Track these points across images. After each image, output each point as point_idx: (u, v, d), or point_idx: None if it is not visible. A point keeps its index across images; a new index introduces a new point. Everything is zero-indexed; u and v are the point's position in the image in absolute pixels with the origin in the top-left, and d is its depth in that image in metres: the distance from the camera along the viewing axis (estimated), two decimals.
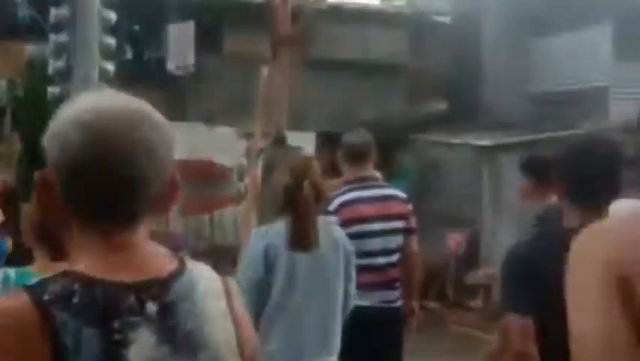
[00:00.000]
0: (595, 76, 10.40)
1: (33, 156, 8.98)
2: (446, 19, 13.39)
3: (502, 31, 12.26)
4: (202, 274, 1.31)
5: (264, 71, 7.83)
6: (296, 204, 3.07)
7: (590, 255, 1.37)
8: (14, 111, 11.25)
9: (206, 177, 10.35)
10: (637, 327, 1.26)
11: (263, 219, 7.23)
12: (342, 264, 3.21)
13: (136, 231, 1.25)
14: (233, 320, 1.31)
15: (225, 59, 12.14)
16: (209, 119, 11.83)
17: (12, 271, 2.51)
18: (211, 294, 1.29)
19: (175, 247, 9.71)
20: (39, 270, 2.43)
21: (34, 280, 1.19)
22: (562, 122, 10.49)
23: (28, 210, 2.71)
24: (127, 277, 1.21)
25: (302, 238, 3.06)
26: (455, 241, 10.51)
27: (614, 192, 2.30)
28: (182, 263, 1.30)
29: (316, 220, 3.12)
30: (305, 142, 10.50)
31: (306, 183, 3.09)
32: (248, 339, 1.34)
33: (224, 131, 11.28)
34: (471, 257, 10.55)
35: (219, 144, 10.90)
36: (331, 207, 3.93)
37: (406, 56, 12.92)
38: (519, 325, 2.36)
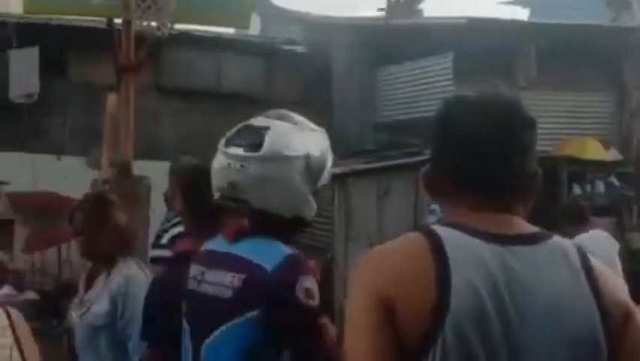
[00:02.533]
0: (436, 105, 10.86)
1: None
2: (298, 48, 13.60)
3: (350, 61, 12.61)
4: None
5: (111, 98, 7.61)
6: None
7: (359, 279, 1.43)
8: None
9: (50, 210, 9.88)
10: (397, 347, 1.33)
11: None
12: None
13: None
14: (19, 351, 1.30)
15: (71, 85, 11.75)
16: (56, 149, 11.39)
17: None
18: None
19: (20, 285, 9.23)
20: None
21: None
22: (407, 148, 10.88)
23: None
24: None
25: None
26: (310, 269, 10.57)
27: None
28: None
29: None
30: (158, 172, 10.31)
31: None
32: None
33: (72, 162, 10.87)
34: (325, 285, 10.67)
35: (66, 176, 10.48)
36: (163, 240, 3.80)
37: (260, 84, 13.01)
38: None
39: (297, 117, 2.38)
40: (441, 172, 1.53)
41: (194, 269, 2.33)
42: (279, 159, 2.17)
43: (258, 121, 2.32)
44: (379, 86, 12.74)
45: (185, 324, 2.27)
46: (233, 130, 2.32)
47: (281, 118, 2.33)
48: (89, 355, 3.18)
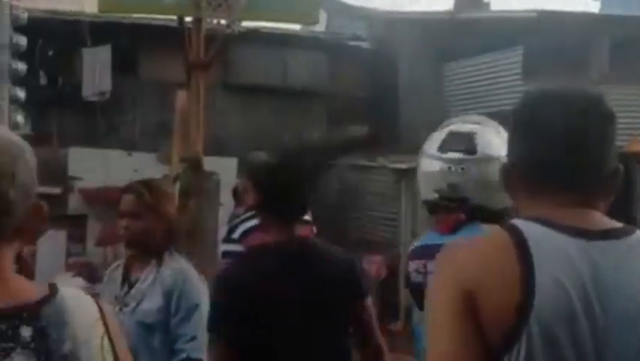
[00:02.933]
0: (505, 100, 10.72)
1: None
2: (364, 44, 13.59)
3: (417, 56, 12.53)
4: (75, 298, 1.31)
5: (180, 95, 7.76)
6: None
7: (440, 274, 1.42)
8: None
9: None
10: (480, 342, 1.32)
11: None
12: None
13: (3, 258, 1.25)
14: (110, 341, 1.31)
15: (142, 83, 12.00)
16: (128, 145, 11.65)
17: None
18: (86, 318, 1.29)
19: (93, 278, 9.48)
20: None
21: None
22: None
23: None
24: None
25: None
26: (377, 265, 10.57)
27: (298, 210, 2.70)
28: (52, 288, 1.29)
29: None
30: (226, 168, 10.47)
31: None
32: (125, 360, 1.35)
33: (142, 158, 11.11)
34: (392, 281, 10.64)
35: (137, 171, 10.72)
36: (235, 235, 3.77)
37: (326, 80, 13.06)
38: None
39: (489, 121, 2.64)
40: (521, 166, 1.50)
41: (412, 265, 2.53)
42: (489, 159, 2.44)
43: (459, 127, 2.62)
44: (446, 82, 12.64)
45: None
46: (441, 137, 2.59)
47: (479, 123, 2.62)
48: (143, 356, 2.90)
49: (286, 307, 2.54)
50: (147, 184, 3.21)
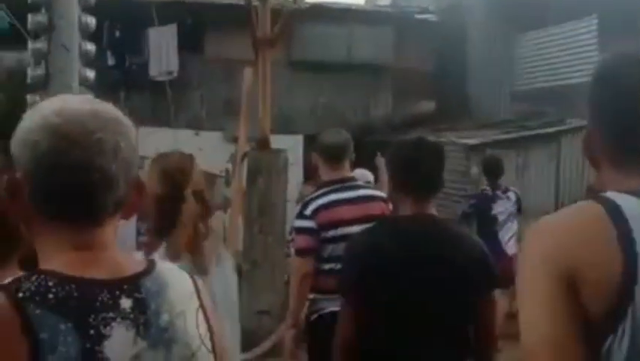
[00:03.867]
0: (580, 71, 10.37)
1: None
2: (431, 17, 13.35)
3: (487, 28, 12.23)
4: (172, 273, 1.36)
5: (247, 72, 7.73)
6: (174, 221, 2.55)
7: (535, 250, 1.34)
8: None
9: None
10: (581, 323, 1.25)
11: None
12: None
13: (104, 231, 1.28)
14: (204, 316, 1.36)
15: (208, 61, 12.05)
16: (194, 124, 11.74)
17: None
18: (181, 291, 1.34)
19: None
20: None
21: (6, 280, 1.21)
22: (547, 118, 10.46)
23: None
24: (99, 274, 1.24)
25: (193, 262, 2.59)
26: None
27: (435, 186, 2.73)
28: (151, 263, 1.34)
29: (203, 239, 2.64)
30: (292, 145, 10.46)
31: (187, 192, 2.59)
32: (218, 335, 1.40)
33: (209, 137, 11.18)
34: None
35: (205, 150, 10.80)
36: (307, 211, 3.76)
37: (391, 55, 12.88)
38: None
39: None
40: (604, 136, 1.42)
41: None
42: None
43: None
44: (517, 54, 12.30)
45: None
46: None
47: None
48: None
49: (410, 281, 2.56)
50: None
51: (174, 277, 1.35)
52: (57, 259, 1.24)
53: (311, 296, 3.76)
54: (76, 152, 1.23)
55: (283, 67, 11.74)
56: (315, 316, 3.76)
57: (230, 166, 10.15)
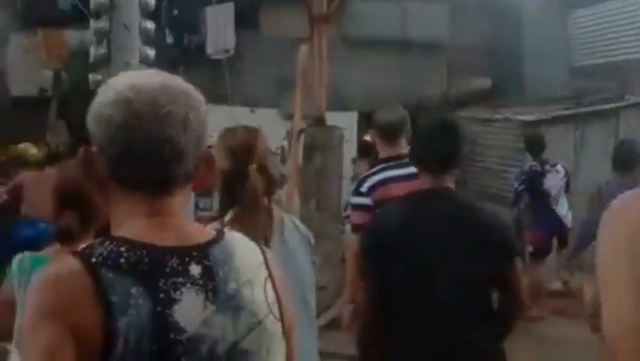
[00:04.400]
0: (637, 47, 10.16)
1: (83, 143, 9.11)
2: None
3: (543, 3, 12.03)
4: (240, 243, 1.39)
5: (303, 49, 7.78)
6: (239, 196, 2.56)
7: (614, 236, 1.36)
8: (60, 101, 11.43)
9: None
10: None
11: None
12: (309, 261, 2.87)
13: (174, 201, 1.34)
14: (272, 285, 1.38)
15: (263, 38, 12.13)
16: (250, 102, 11.85)
17: (28, 256, 2.54)
18: (249, 261, 1.37)
19: None
20: (50, 254, 2.50)
21: (81, 246, 1.27)
22: (606, 94, 10.28)
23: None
24: (169, 241, 1.28)
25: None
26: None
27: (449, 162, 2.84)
28: (220, 232, 1.38)
29: (267, 214, 2.63)
30: (347, 122, 10.49)
31: (251, 167, 2.57)
32: (287, 305, 1.41)
33: (265, 114, 11.29)
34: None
35: (261, 127, 10.91)
36: (363, 188, 3.81)
37: (446, 32, 12.77)
38: None
39: None
40: None
41: None
42: None
43: None
44: (574, 29, 12.08)
45: None
46: None
47: None
48: None
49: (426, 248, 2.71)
50: None
51: (242, 247, 1.38)
52: (129, 226, 1.30)
53: None
54: (147, 124, 1.27)
55: (338, 44, 11.75)
56: None
57: (285, 143, 10.25)
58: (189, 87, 1.38)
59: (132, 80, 1.33)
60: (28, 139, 8.22)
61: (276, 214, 2.71)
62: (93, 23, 7.81)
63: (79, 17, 10.72)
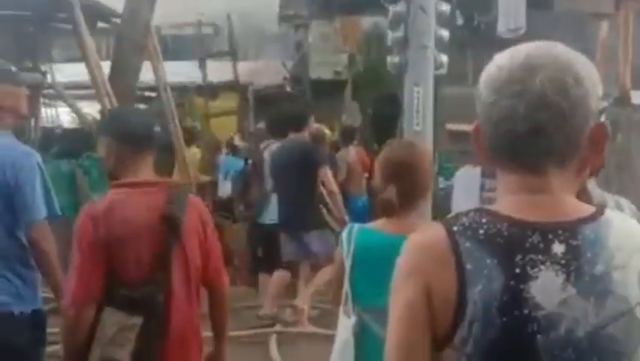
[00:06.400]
0: None
1: (375, 125, 9.57)
2: None
3: None
4: (621, 224, 1.28)
5: (603, 26, 7.41)
6: None
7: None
8: (355, 84, 12.04)
9: None
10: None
11: None
12: None
13: (551, 180, 1.28)
14: None
15: (557, 15, 11.69)
16: None
17: (356, 226, 2.73)
18: (627, 244, 1.25)
19: None
20: (378, 226, 2.67)
21: (449, 216, 1.32)
22: None
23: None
24: (535, 217, 1.25)
25: None
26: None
27: None
28: (599, 210, 1.29)
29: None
30: None
31: None
32: None
33: None
34: None
35: None
36: None
37: None
38: None
39: None
40: None
41: None
42: None
43: None
44: None
45: None
46: None
47: None
48: None
49: None
50: None
51: (623, 229, 1.27)
52: (502, 200, 1.29)
53: None
54: (519, 101, 1.25)
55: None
56: None
57: None
58: (577, 55, 1.32)
59: (511, 53, 1.35)
60: (324, 120, 8.77)
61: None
62: (391, 8, 8.10)
63: (373, 3, 11.19)
